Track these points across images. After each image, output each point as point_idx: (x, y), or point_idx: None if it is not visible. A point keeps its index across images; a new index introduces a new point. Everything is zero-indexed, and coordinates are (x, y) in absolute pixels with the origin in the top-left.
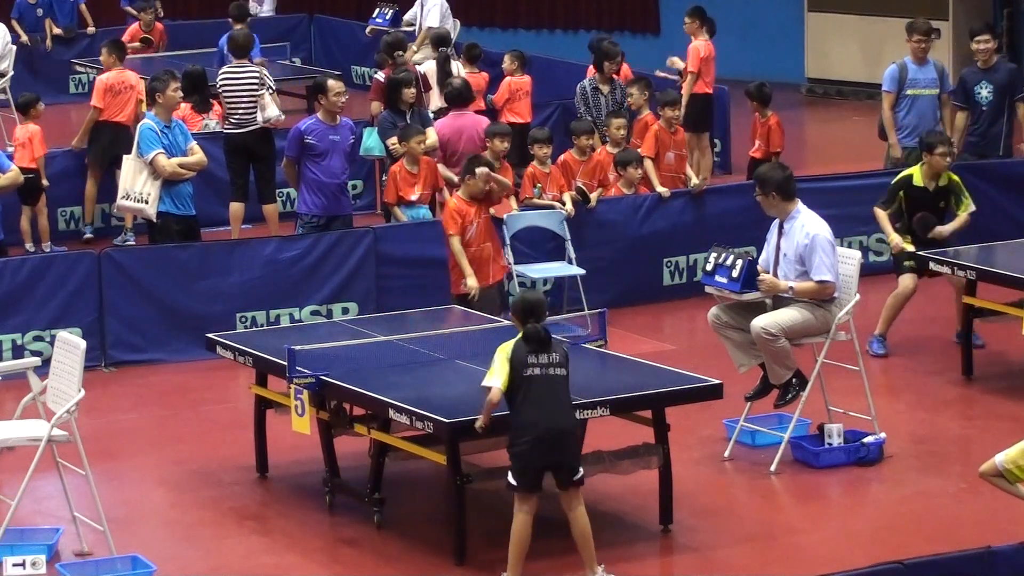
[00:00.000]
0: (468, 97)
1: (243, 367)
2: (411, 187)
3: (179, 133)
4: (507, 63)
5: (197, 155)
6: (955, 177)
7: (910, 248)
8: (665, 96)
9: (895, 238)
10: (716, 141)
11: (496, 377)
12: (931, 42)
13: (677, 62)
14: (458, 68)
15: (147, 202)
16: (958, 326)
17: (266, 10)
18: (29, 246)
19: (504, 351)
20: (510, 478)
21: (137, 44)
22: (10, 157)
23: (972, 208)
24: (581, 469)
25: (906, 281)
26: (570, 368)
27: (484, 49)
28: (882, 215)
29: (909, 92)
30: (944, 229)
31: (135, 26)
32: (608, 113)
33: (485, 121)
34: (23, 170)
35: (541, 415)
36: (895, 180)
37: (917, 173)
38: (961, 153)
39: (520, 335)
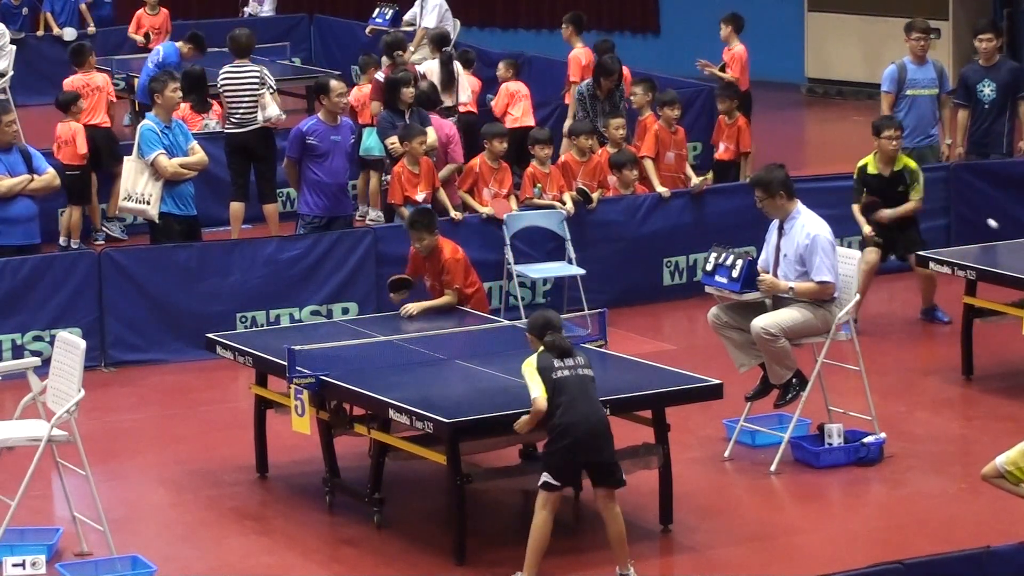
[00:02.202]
0: (435, 100)
1: (243, 367)
2: (415, 187)
3: (179, 133)
4: (502, 71)
5: (198, 155)
6: (913, 164)
7: (868, 230)
8: (664, 96)
9: (866, 229)
10: None
11: (535, 387)
12: (930, 40)
13: (709, 67)
14: (459, 68)
15: (149, 203)
16: (923, 303)
17: (266, 10)
18: (71, 241)
19: (530, 364)
20: (547, 477)
21: (140, 38)
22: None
23: (919, 197)
24: (622, 471)
25: (869, 255)
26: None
27: (484, 49)
28: (855, 209)
29: (908, 92)
30: (885, 213)
31: (140, 12)
32: (607, 112)
33: (449, 124)
34: (68, 168)
35: (579, 415)
36: (856, 173)
37: (870, 161)
38: (965, 152)
39: (541, 349)
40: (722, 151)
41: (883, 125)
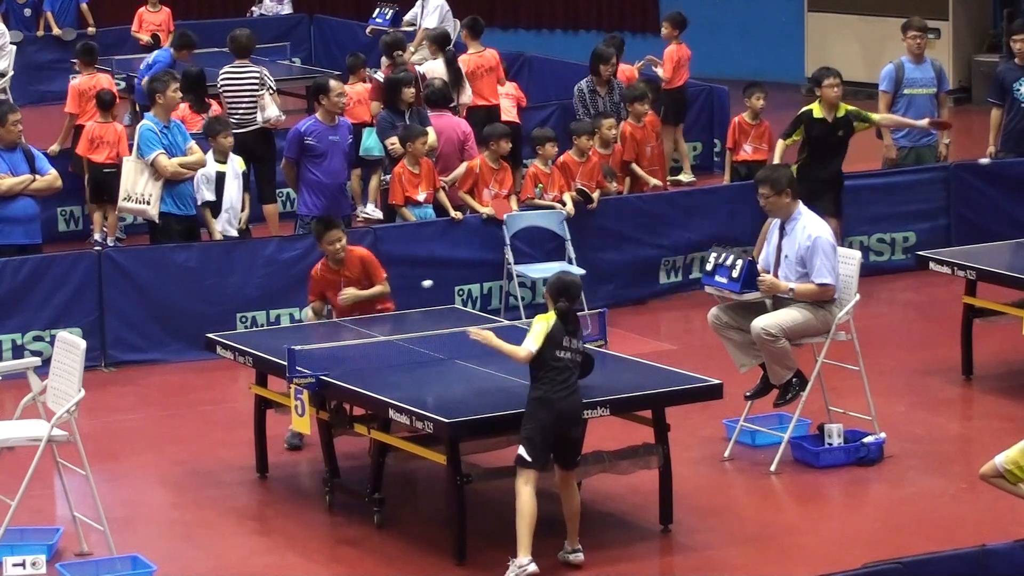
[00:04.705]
0: (449, 98)
1: (243, 367)
2: (415, 187)
3: (178, 133)
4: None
5: (197, 154)
6: (850, 107)
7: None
8: (633, 91)
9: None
10: (715, 141)
11: (533, 342)
12: (927, 39)
13: (655, 60)
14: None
15: (149, 203)
16: None
17: (286, 9)
18: (99, 236)
19: (545, 321)
20: (523, 452)
21: (147, 38)
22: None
23: (873, 120)
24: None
25: None
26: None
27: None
28: (779, 145)
29: (906, 92)
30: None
31: (142, 10)
32: (597, 114)
33: (464, 123)
34: (107, 167)
35: (563, 395)
36: (799, 113)
37: (816, 107)
38: (997, 151)
39: (556, 318)
40: (750, 152)
41: (822, 75)
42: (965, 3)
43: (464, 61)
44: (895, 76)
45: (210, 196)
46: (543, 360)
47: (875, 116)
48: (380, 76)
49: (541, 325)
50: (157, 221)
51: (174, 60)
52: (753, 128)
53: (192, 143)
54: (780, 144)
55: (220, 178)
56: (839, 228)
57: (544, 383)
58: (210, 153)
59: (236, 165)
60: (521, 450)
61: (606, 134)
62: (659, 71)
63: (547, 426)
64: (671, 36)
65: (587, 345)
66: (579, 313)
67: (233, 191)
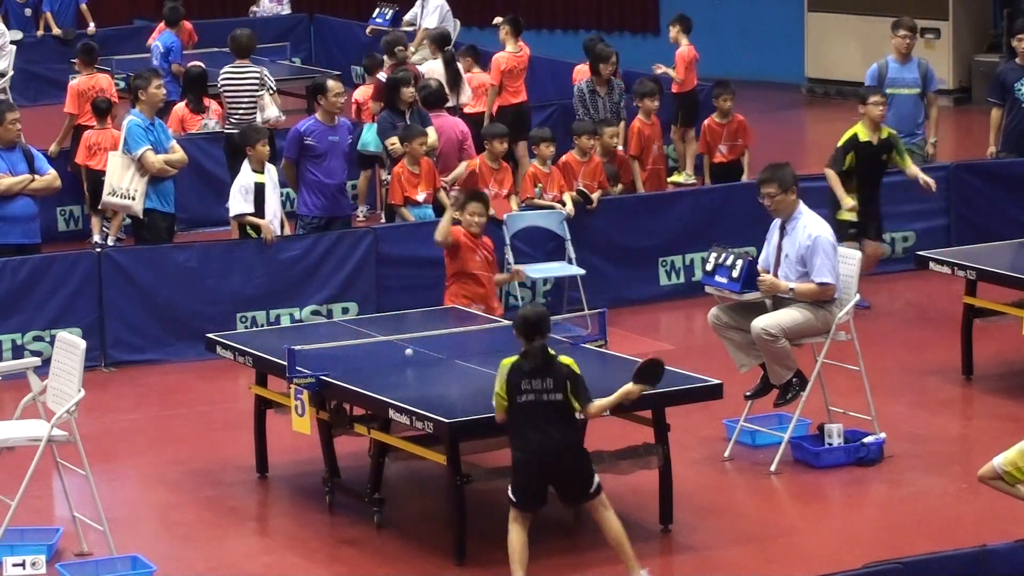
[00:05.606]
0: (445, 98)
1: (243, 367)
2: (415, 187)
3: (161, 131)
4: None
5: (179, 153)
6: (893, 131)
7: (850, 202)
8: (643, 87)
9: (848, 201)
10: None
11: (494, 406)
12: (915, 39)
13: (663, 68)
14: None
15: (134, 199)
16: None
17: (285, 9)
18: (98, 237)
19: (501, 376)
20: (510, 492)
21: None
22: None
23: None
24: (596, 479)
25: (869, 248)
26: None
27: (483, 49)
28: (833, 175)
29: (889, 91)
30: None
31: (163, 24)
32: (600, 121)
33: (461, 123)
34: (100, 173)
35: (533, 440)
36: (843, 141)
37: (860, 129)
38: (998, 151)
39: (521, 353)
40: (725, 152)
41: (868, 92)
42: (965, 3)
43: (503, 59)
44: (878, 75)
45: (247, 207)
46: (510, 410)
47: (909, 162)
48: (382, 76)
49: (498, 381)
50: (141, 216)
51: (176, 36)
52: (724, 128)
53: (173, 142)
54: (832, 174)
55: (258, 189)
56: (879, 253)
57: (515, 428)
58: (246, 163)
59: (273, 174)
60: (510, 489)
61: (607, 143)
62: (671, 73)
63: (521, 467)
64: (679, 38)
65: (587, 345)
66: (580, 314)
67: (275, 201)
